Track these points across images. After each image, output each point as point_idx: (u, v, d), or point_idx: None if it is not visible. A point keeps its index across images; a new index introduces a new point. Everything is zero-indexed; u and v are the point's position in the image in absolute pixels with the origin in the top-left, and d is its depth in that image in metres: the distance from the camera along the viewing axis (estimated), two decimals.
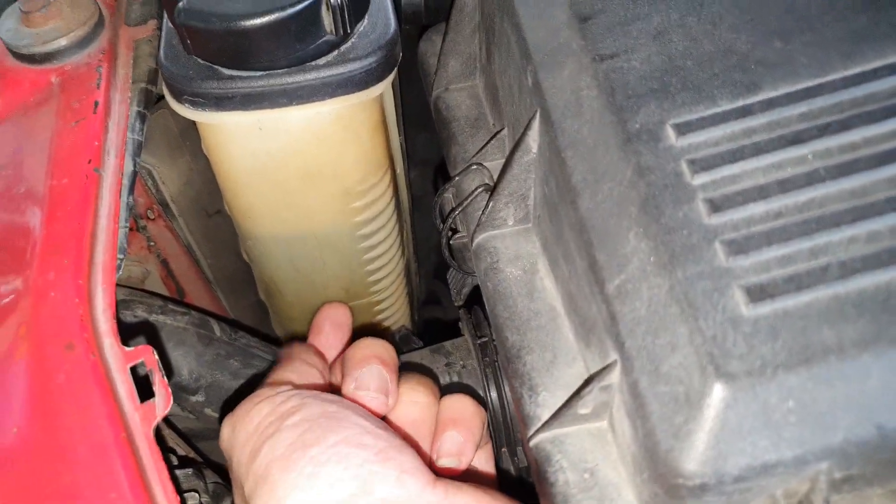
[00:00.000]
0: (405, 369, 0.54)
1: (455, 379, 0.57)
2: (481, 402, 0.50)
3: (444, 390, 0.54)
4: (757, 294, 0.28)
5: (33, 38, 0.46)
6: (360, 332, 0.59)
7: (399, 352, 0.59)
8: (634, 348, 0.30)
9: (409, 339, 0.62)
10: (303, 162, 0.46)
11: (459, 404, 0.44)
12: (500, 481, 0.49)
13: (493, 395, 0.55)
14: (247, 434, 0.36)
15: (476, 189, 0.45)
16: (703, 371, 0.27)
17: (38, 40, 0.46)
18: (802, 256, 0.28)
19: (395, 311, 0.65)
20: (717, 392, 0.27)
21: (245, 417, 0.37)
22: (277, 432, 0.35)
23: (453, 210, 0.46)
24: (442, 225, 0.49)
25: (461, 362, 0.58)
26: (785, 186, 0.30)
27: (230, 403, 0.47)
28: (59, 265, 0.37)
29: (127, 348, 0.36)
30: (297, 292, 0.58)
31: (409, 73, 0.61)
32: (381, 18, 0.44)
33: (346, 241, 0.54)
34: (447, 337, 0.61)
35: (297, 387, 0.41)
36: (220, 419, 0.56)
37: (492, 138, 0.46)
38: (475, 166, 0.46)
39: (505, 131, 0.46)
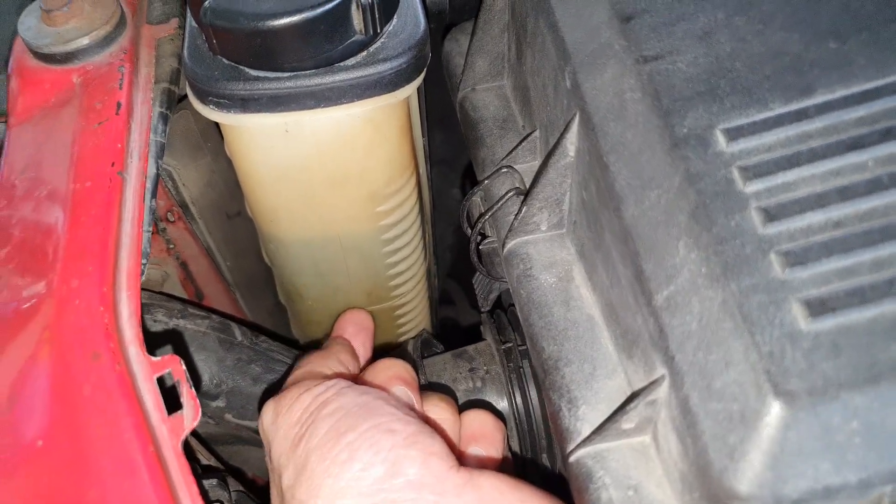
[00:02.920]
0: (422, 377, 0.53)
1: (478, 385, 0.56)
2: (499, 415, 0.49)
3: (465, 399, 0.53)
4: (817, 308, 0.26)
5: (54, 37, 0.45)
6: (382, 335, 0.58)
7: (421, 356, 0.59)
8: (685, 363, 0.28)
9: (430, 344, 0.61)
10: (330, 165, 0.45)
11: (480, 420, 0.45)
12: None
13: (518, 400, 0.54)
14: (289, 425, 0.38)
15: (507, 193, 0.44)
16: (760, 389, 0.26)
17: (59, 39, 0.45)
18: (865, 268, 0.27)
19: (416, 314, 0.63)
20: (776, 411, 0.26)
21: (288, 409, 0.38)
22: (315, 422, 0.37)
23: (483, 214, 0.45)
24: (470, 230, 0.47)
25: (485, 367, 0.57)
26: (844, 194, 0.28)
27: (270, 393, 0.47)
28: (83, 271, 0.36)
29: (153, 358, 0.35)
30: (319, 296, 0.57)
31: (430, 73, 0.60)
32: (411, 18, 0.43)
33: (371, 245, 0.53)
34: (460, 337, 0.60)
35: (330, 377, 0.43)
36: (241, 423, 0.56)
37: (523, 140, 0.45)
38: (505, 169, 0.45)
39: (537, 133, 0.45)
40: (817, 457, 0.25)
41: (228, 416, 0.55)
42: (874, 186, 0.28)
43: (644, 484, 0.32)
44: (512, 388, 0.54)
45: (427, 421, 0.41)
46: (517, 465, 0.52)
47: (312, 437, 0.36)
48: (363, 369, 0.48)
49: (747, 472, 0.26)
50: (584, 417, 0.34)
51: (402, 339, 0.65)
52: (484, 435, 0.44)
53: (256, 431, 0.49)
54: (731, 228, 0.29)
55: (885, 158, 0.29)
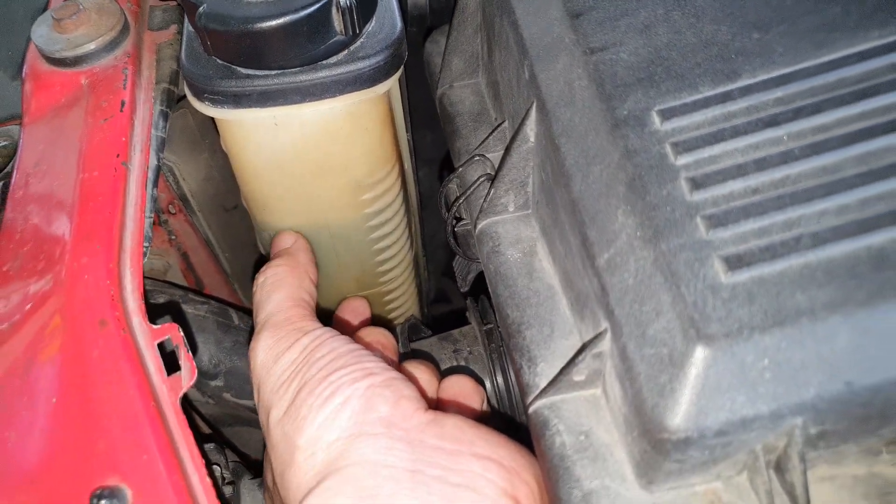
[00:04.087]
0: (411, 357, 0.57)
1: (462, 364, 0.60)
2: (479, 381, 0.53)
3: (447, 373, 0.57)
4: (734, 263, 0.30)
5: (65, 43, 0.49)
6: (372, 321, 0.62)
7: (409, 340, 0.62)
8: (623, 316, 0.32)
9: (417, 328, 0.65)
10: (315, 155, 0.49)
11: (460, 383, 0.48)
12: None
13: (499, 379, 0.58)
14: (285, 364, 0.42)
15: (478, 178, 0.48)
16: (686, 334, 0.29)
17: (68, 45, 0.49)
18: (777, 228, 0.31)
19: (404, 300, 0.67)
20: (699, 353, 0.29)
21: (288, 349, 0.42)
22: (309, 362, 0.41)
23: (457, 199, 0.49)
24: (447, 213, 0.51)
25: (468, 349, 0.60)
26: (761, 165, 0.32)
27: None
28: (91, 250, 0.40)
29: (154, 326, 0.39)
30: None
31: (416, 75, 0.64)
32: (388, 19, 0.47)
33: (357, 233, 0.57)
34: (456, 327, 0.63)
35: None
36: (239, 402, 0.59)
37: (493, 131, 0.49)
38: (477, 157, 0.49)
39: (506, 124, 0.48)
40: (734, 391, 0.29)
41: (227, 396, 0.59)
42: (787, 157, 0.32)
43: (594, 430, 0.35)
44: (493, 367, 0.57)
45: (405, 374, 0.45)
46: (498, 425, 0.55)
47: (304, 376, 0.40)
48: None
49: (676, 407, 0.30)
50: (542, 373, 0.38)
51: (391, 323, 0.68)
52: (462, 394, 0.48)
53: (254, 410, 0.53)
54: (662, 196, 0.32)
55: (797, 133, 0.32)
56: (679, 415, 0.29)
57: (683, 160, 0.33)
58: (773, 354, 0.29)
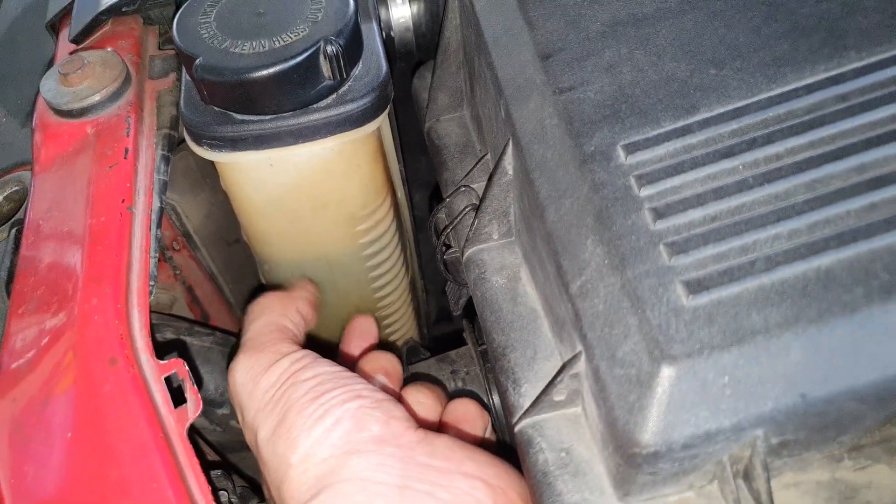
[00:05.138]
0: (416, 380, 0.59)
1: (460, 385, 0.62)
2: (486, 408, 0.54)
3: (453, 396, 0.59)
4: (695, 287, 0.32)
5: (71, 96, 0.52)
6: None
7: (407, 362, 0.64)
8: (594, 339, 0.34)
9: (416, 351, 0.67)
10: (310, 192, 0.52)
11: (463, 406, 0.50)
12: None
13: (495, 399, 0.60)
14: (267, 385, 0.43)
15: (464, 209, 0.50)
16: (651, 355, 0.32)
17: (75, 98, 0.52)
18: (734, 253, 0.33)
19: (402, 324, 0.70)
20: (664, 372, 0.31)
21: (266, 371, 0.44)
22: (295, 384, 0.43)
23: (445, 228, 0.51)
24: (436, 241, 0.54)
25: (465, 369, 0.63)
26: (719, 194, 0.35)
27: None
28: (100, 292, 0.43)
29: (161, 361, 0.41)
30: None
31: (407, 105, 0.67)
32: (374, 62, 0.50)
33: (354, 262, 0.59)
34: (457, 347, 0.66)
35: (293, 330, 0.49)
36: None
37: (477, 163, 0.52)
38: (463, 188, 0.51)
39: (489, 156, 0.51)
40: (698, 407, 0.31)
41: (233, 423, 0.62)
42: (742, 186, 0.34)
43: (575, 446, 0.38)
44: (489, 386, 0.60)
45: (402, 402, 0.47)
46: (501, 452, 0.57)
47: (292, 396, 0.42)
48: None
49: (645, 423, 0.32)
50: (526, 394, 0.40)
51: (393, 346, 0.71)
52: (467, 419, 0.49)
53: None
54: (627, 226, 0.35)
55: (751, 163, 0.35)
56: (648, 431, 0.32)
57: (647, 192, 0.35)
58: (733, 371, 0.31)
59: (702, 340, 0.31)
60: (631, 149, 0.37)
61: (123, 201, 0.48)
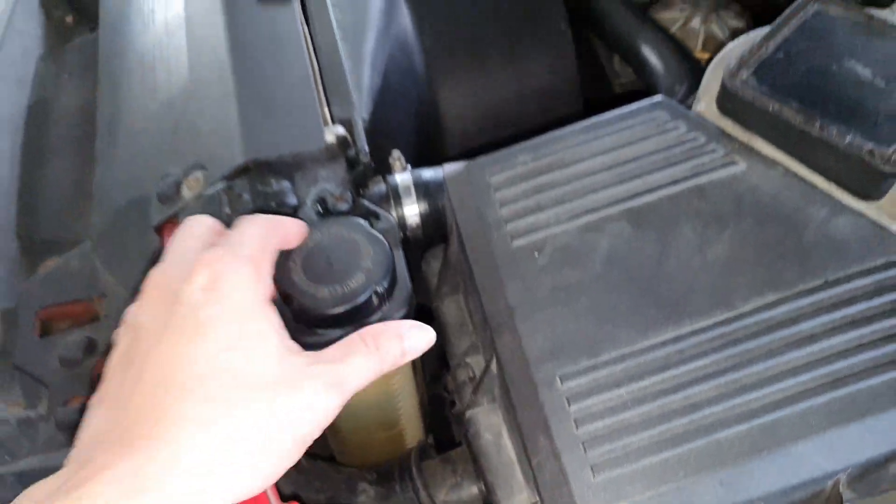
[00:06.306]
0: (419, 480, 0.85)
1: (459, 479, 0.87)
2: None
3: (451, 491, 0.84)
4: (600, 469, 0.58)
5: None
6: (389, 453, 0.89)
7: (420, 460, 0.90)
8: (546, 496, 0.60)
9: (427, 452, 0.93)
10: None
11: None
12: None
13: (483, 485, 0.85)
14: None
15: (463, 380, 0.76)
16: None
17: None
18: (633, 447, 0.59)
19: (413, 434, 0.95)
20: None
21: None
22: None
23: (449, 394, 0.77)
24: (446, 394, 0.79)
25: (462, 466, 0.88)
26: (627, 406, 0.60)
27: None
28: None
29: None
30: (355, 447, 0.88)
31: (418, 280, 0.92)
32: (403, 284, 0.75)
33: (382, 396, 0.84)
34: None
35: None
36: None
37: (471, 346, 0.77)
38: (462, 364, 0.77)
39: (479, 342, 0.77)
40: None
41: None
42: (643, 401, 0.60)
43: None
44: (479, 479, 0.85)
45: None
46: None
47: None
48: None
49: None
50: None
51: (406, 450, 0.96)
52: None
53: None
54: (561, 430, 0.60)
55: (659, 382, 0.61)
56: None
57: (574, 407, 0.61)
58: None
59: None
60: (564, 378, 0.63)
61: None
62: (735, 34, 1.22)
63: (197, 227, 0.55)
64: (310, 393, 0.46)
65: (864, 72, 0.69)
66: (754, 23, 1.25)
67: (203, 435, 0.40)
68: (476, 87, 1.13)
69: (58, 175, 1.08)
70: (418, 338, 0.56)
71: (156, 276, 0.50)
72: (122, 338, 0.49)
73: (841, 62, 0.70)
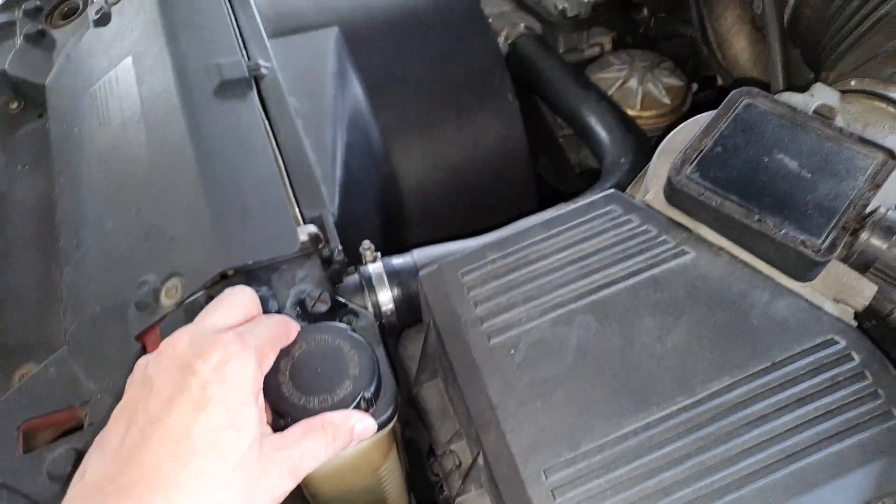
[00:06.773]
0: None
1: None
2: None
3: None
4: None
5: None
6: None
7: None
8: None
9: None
10: (352, 462, 0.80)
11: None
12: None
13: None
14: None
15: (450, 469, 0.80)
16: None
17: None
18: None
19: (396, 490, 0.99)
20: None
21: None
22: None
23: (438, 479, 0.81)
24: (434, 479, 0.83)
25: None
26: (606, 496, 0.66)
27: None
28: None
29: None
30: None
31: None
32: (388, 383, 0.79)
33: (370, 482, 0.88)
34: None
35: None
36: None
37: (454, 435, 0.82)
38: (447, 452, 0.81)
39: (463, 431, 0.81)
40: None
41: None
42: (619, 489, 0.66)
43: None
44: None
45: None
46: None
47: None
48: None
49: None
50: None
51: None
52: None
53: None
54: None
55: (633, 469, 0.66)
56: None
57: (559, 499, 0.66)
58: None
59: None
60: (549, 471, 0.68)
61: None
62: (670, 91, 1.31)
63: (237, 300, 0.65)
64: (275, 477, 0.56)
65: (792, 164, 0.77)
66: (688, 78, 1.34)
67: (190, 501, 0.50)
68: (434, 158, 1.17)
69: (21, 275, 1.08)
70: (365, 427, 0.68)
71: (183, 338, 0.58)
72: (132, 388, 0.57)
73: (772, 154, 0.78)
